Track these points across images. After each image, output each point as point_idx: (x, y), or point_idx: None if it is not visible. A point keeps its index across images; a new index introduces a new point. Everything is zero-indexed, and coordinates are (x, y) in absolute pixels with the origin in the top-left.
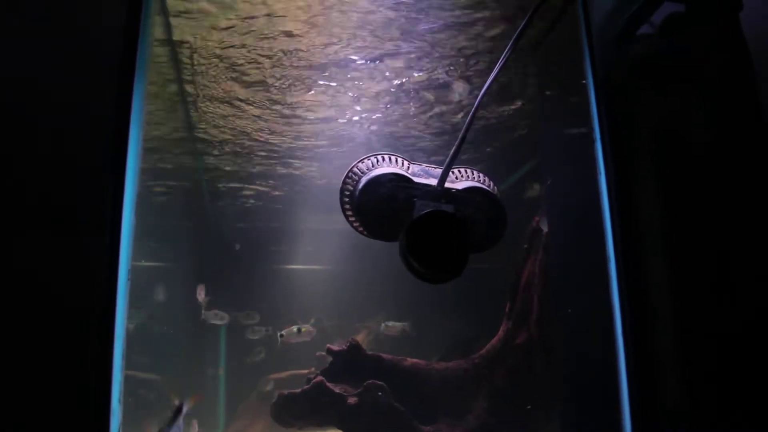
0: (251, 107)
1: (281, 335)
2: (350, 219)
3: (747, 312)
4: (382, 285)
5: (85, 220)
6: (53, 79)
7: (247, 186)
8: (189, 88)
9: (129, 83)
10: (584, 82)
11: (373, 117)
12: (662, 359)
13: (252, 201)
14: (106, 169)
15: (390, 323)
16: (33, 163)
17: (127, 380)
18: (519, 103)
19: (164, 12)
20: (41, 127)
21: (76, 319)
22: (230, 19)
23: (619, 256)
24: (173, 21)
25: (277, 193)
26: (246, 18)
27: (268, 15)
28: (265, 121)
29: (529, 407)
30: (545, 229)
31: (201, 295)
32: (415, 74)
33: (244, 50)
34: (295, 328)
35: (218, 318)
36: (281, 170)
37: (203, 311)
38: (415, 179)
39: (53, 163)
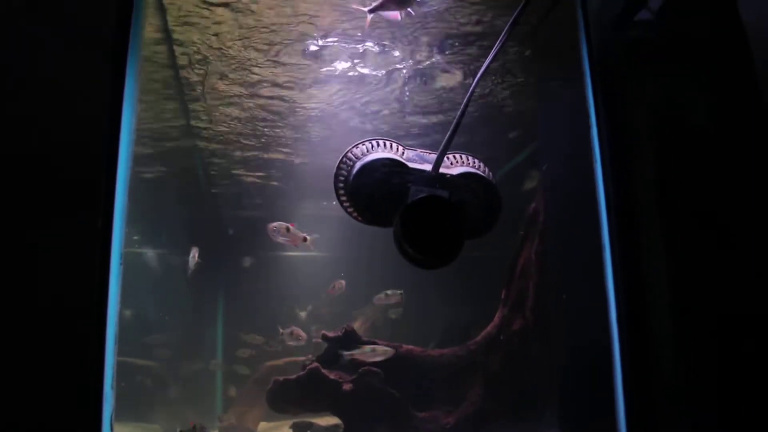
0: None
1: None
2: (344, 204)
3: (748, 296)
4: (379, 272)
5: (79, 204)
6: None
7: (244, 173)
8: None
9: (122, 66)
10: (580, 66)
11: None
12: (658, 345)
13: (248, 186)
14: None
15: (390, 292)
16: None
17: (125, 367)
18: (516, 86)
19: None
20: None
21: (69, 304)
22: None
23: (615, 243)
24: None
25: (272, 182)
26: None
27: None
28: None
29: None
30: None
31: (194, 256)
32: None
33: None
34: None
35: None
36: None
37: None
38: (410, 164)
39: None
